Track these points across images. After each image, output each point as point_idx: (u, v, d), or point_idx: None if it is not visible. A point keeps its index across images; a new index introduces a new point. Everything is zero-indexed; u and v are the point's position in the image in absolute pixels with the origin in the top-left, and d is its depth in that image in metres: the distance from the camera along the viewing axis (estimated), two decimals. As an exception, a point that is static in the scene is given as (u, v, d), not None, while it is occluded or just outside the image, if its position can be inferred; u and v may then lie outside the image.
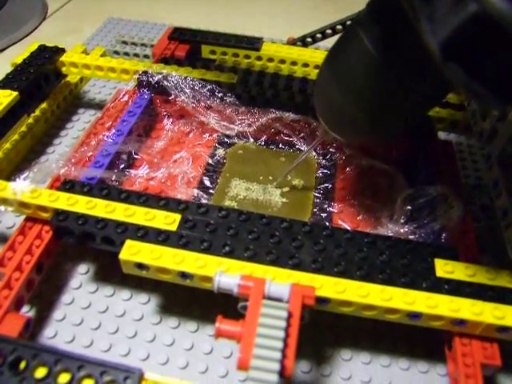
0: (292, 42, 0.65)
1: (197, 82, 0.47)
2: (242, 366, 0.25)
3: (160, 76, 0.47)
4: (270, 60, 0.56)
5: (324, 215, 0.42)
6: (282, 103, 0.47)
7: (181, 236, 0.33)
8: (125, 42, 0.69)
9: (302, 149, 0.48)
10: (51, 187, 0.38)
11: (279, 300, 0.28)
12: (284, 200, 0.44)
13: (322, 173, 0.46)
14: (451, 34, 0.20)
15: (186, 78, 0.47)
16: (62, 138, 0.54)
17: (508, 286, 0.32)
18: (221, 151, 0.48)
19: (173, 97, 0.47)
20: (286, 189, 0.45)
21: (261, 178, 0.46)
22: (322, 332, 0.37)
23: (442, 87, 0.30)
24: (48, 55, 0.51)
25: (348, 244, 0.33)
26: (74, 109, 0.58)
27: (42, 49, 0.52)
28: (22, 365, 0.27)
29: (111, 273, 0.40)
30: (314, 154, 0.48)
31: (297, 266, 0.31)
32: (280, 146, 0.49)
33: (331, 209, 0.42)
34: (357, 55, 0.30)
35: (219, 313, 0.30)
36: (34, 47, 0.52)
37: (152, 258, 0.31)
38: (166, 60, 0.53)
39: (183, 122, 0.49)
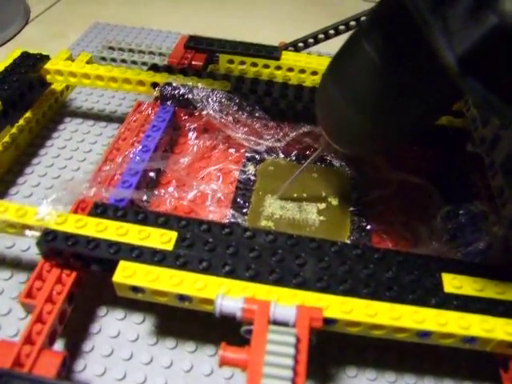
0: (283, 47, 0.63)
1: (224, 95, 0.45)
2: (250, 397, 0.23)
3: (185, 88, 0.46)
4: (290, 70, 0.54)
5: (363, 234, 0.40)
6: (312, 116, 0.41)
7: (178, 256, 0.31)
8: (112, 48, 0.67)
9: (334, 163, 0.46)
10: (76, 210, 0.36)
11: (285, 324, 0.26)
12: (322, 218, 0.42)
13: (356, 189, 0.45)
14: (470, 48, 0.19)
15: (213, 90, 0.45)
16: (48, 148, 0.52)
17: (518, 300, 0.31)
18: (251, 167, 0.46)
19: (198, 110, 0.46)
20: (323, 206, 0.43)
21: (295, 195, 0.44)
22: (326, 348, 0.36)
23: (450, 97, 0.29)
24: (31, 63, 0.49)
25: (353, 260, 0.32)
26: (60, 117, 0.56)
27: (25, 56, 0.50)
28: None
29: (103, 291, 0.38)
30: (348, 169, 0.46)
31: (301, 285, 0.30)
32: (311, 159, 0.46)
33: (369, 227, 0.41)
34: (360, 64, 0.29)
35: (219, 331, 0.28)
36: (17, 54, 0.50)
37: (148, 281, 0.30)
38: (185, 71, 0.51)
39: (208, 136, 0.48)
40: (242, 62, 0.56)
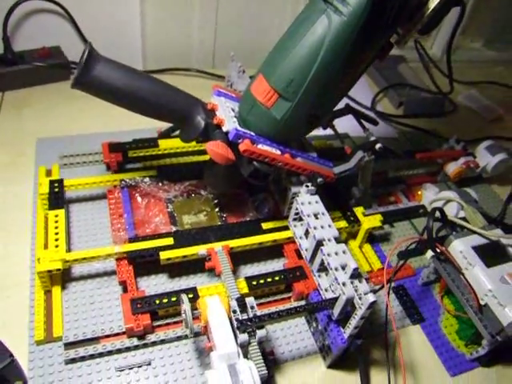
0: (160, 134, 1.12)
1: (150, 179, 1.05)
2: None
3: (132, 180, 1.04)
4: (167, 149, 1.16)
5: (223, 219, 0.99)
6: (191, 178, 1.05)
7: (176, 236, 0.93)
8: (66, 156, 1.17)
9: (203, 194, 1.08)
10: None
11: (220, 253, 0.91)
12: (206, 218, 1.01)
13: (217, 201, 1.04)
14: (247, 175, 0.86)
15: (145, 177, 1.05)
16: (71, 221, 1.04)
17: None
18: (170, 206, 1.02)
19: (140, 187, 1.04)
20: (205, 213, 1.04)
21: (193, 212, 0.99)
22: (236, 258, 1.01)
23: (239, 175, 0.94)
24: (61, 185, 1.01)
25: (225, 227, 0.98)
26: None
27: (52, 182, 1.01)
28: None
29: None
30: (212, 196, 1.08)
31: (217, 241, 0.94)
32: (193, 195, 1.02)
33: (225, 215, 1.01)
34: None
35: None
36: (46, 181, 1.01)
37: (172, 255, 0.91)
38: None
39: (146, 197, 1.04)
40: (140, 151, 1.16)
